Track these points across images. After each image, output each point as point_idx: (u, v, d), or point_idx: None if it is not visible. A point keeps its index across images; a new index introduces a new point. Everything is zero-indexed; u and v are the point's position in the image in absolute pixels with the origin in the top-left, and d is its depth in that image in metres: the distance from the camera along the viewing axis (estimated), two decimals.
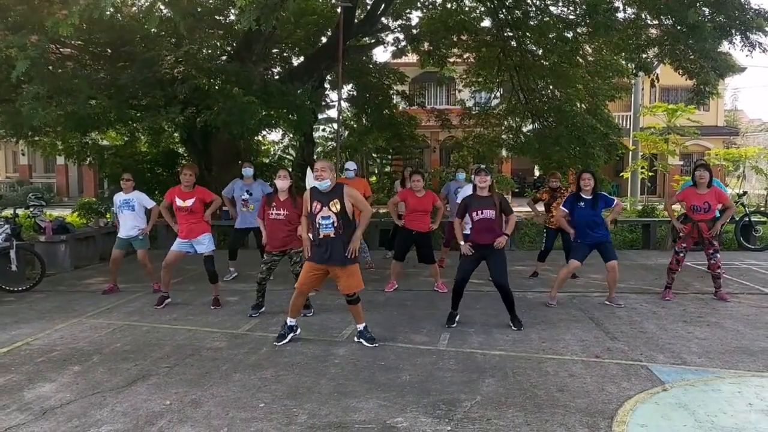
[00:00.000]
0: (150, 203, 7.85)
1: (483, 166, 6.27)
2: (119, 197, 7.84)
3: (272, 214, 6.35)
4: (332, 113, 24.24)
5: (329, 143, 27.35)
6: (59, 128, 12.15)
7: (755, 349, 5.27)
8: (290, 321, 5.59)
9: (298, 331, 5.63)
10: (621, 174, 23.71)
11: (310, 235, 5.38)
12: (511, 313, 6.07)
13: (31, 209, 10.20)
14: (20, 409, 4.05)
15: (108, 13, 6.52)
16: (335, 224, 5.21)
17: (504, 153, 19.24)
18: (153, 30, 11.30)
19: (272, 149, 24.65)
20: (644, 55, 11.47)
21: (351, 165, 9.57)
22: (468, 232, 6.23)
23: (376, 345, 5.42)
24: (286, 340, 5.52)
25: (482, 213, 5.91)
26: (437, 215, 7.99)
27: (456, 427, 3.72)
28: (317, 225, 5.24)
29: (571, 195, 7.16)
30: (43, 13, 7.89)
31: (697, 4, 9.53)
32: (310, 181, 6.16)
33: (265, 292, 6.65)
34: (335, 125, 20.86)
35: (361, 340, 5.50)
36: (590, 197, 6.84)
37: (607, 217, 7.01)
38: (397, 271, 8.09)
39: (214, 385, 4.46)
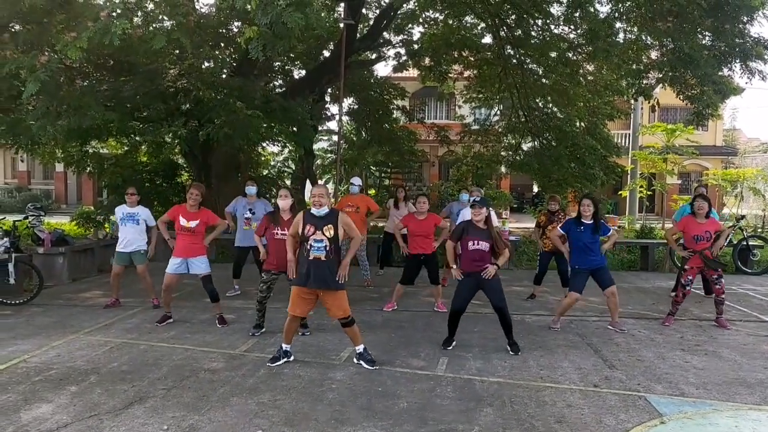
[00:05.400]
0: (153, 222, 7.85)
1: (478, 199, 6.14)
2: (123, 210, 7.82)
3: (278, 234, 6.35)
4: (332, 125, 24.33)
5: (329, 156, 27.42)
6: (60, 137, 12.15)
7: (752, 381, 5.28)
8: (285, 346, 5.59)
9: (292, 357, 5.62)
10: (620, 192, 23.79)
11: (296, 257, 5.38)
12: (509, 337, 6.08)
13: (30, 219, 10.18)
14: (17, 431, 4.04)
15: (117, 42, 6.55)
16: (327, 248, 5.22)
17: (503, 169, 19.32)
18: None
19: (272, 160, 24.67)
20: (644, 81, 11.52)
21: (356, 180, 9.58)
22: (459, 251, 6.22)
23: (376, 367, 5.41)
24: (279, 362, 5.52)
25: (477, 244, 5.90)
26: (441, 234, 7.88)
27: None
28: (308, 247, 5.23)
29: (571, 219, 7.16)
30: (53, 32, 7.89)
31: (697, 30, 9.60)
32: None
33: (266, 311, 6.64)
34: (335, 137, 20.93)
35: (361, 361, 5.50)
36: (590, 222, 6.86)
37: (603, 244, 7.01)
38: (400, 293, 8.08)
39: (211, 410, 4.45)
